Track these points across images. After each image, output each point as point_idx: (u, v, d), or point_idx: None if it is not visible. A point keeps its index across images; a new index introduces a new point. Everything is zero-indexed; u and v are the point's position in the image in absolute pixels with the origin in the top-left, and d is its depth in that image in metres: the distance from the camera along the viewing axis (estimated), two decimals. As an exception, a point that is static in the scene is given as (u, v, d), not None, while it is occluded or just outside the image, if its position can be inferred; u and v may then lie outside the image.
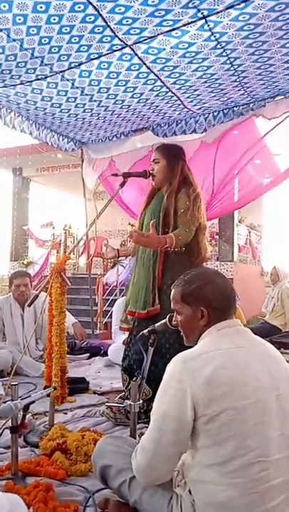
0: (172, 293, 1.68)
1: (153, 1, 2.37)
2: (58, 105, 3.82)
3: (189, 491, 1.41)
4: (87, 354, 5.05)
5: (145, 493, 1.51)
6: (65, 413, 3.01)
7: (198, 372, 1.35)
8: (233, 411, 1.31)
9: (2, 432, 2.04)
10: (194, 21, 2.57)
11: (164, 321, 2.18)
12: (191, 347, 1.54)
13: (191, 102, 3.78)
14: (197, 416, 1.33)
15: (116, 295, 7.51)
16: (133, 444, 1.70)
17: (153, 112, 4.01)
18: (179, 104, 3.84)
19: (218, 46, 2.86)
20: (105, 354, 4.99)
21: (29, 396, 1.96)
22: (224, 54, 2.96)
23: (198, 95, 3.65)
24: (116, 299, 6.17)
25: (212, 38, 2.75)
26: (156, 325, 2.26)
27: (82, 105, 3.82)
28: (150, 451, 1.40)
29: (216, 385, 1.33)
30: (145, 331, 2.31)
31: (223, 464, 1.31)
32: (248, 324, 7.45)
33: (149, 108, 3.92)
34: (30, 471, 2.00)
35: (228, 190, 4.28)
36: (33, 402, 2.00)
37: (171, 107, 3.90)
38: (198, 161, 4.22)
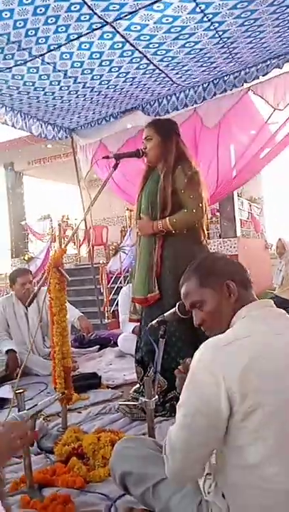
0: (184, 288, 1.47)
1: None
2: (41, 89, 3.63)
3: (222, 495, 1.27)
4: (97, 346, 4.96)
5: (171, 500, 1.39)
6: (79, 412, 2.90)
7: (233, 362, 1.16)
8: (271, 407, 1.14)
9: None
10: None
11: (172, 310, 2.03)
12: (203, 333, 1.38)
13: (180, 77, 3.61)
14: (232, 412, 1.16)
15: (121, 283, 7.39)
16: (152, 444, 1.58)
17: (141, 90, 3.84)
18: (168, 81, 3.67)
19: (205, 19, 2.69)
20: (115, 344, 4.88)
21: (36, 405, 1.82)
22: (212, 27, 2.80)
23: (187, 70, 3.49)
24: (122, 287, 6.06)
25: (197, 9, 2.58)
26: (165, 315, 2.11)
27: (66, 87, 3.65)
28: (180, 453, 1.24)
29: (253, 377, 1.15)
30: (154, 322, 2.17)
31: (261, 466, 1.15)
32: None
33: (137, 87, 3.75)
34: (46, 481, 1.89)
35: (231, 171, 4.23)
36: (41, 410, 1.88)
37: (159, 84, 3.73)
38: (202, 146, 4.16)
